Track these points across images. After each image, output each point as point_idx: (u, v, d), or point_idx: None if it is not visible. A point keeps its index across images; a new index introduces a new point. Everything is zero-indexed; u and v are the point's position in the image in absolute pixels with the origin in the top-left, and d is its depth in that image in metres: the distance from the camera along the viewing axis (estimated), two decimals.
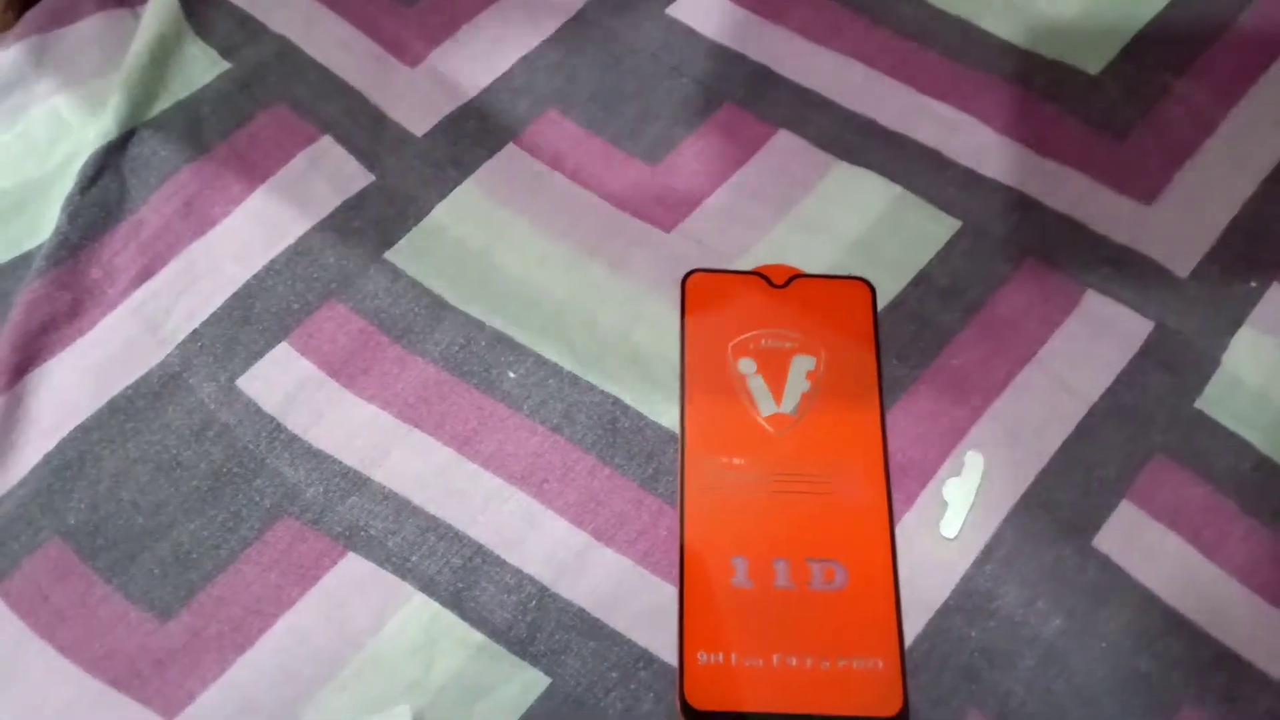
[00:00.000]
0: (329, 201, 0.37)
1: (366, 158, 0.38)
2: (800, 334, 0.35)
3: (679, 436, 0.33)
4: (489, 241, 0.37)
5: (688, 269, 0.36)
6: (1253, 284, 0.36)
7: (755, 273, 0.36)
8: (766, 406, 0.34)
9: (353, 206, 0.37)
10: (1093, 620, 0.31)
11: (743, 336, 0.35)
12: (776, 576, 0.31)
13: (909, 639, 0.31)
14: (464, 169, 0.38)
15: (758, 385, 0.34)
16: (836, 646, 0.30)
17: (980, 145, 0.39)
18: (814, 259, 0.37)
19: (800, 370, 0.34)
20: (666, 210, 0.37)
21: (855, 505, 0.32)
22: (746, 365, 0.34)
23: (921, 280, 0.36)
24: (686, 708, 0.29)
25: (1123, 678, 0.30)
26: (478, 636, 0.30)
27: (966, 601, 0.31)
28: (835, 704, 0.29)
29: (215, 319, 0.35)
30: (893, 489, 0.33)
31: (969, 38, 0.41)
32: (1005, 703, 0.30)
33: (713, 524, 0.32)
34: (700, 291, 0.36)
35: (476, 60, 0.40)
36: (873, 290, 0.36)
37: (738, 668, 0.30)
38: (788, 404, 0.34)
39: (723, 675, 0.30)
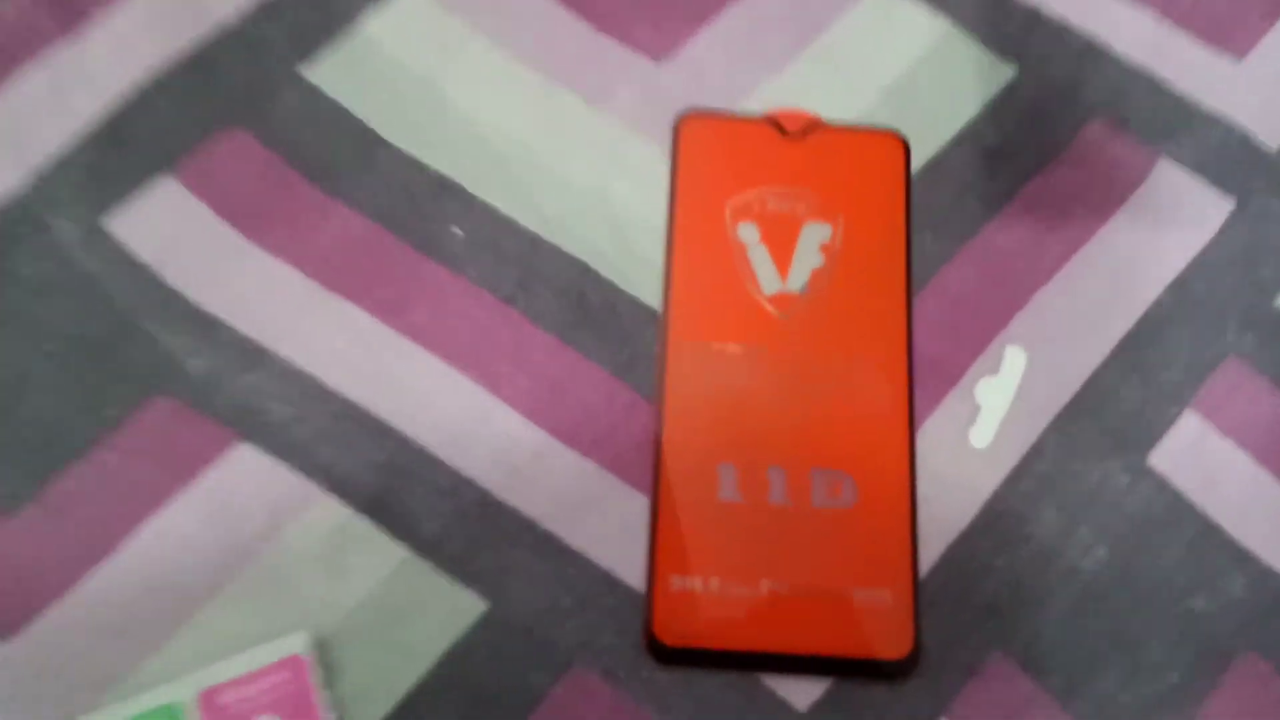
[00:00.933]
0: (233, 0, 0.29)
1: None
2: (815, 196, 0.28)
3: (661, 315, 0.27)
4: (435, 63, 0.29)
5: (681, 109, 0.29)
6: None
7: (764, 118, 0.29)
8: (769, 283, 0.27)
9: (263, 8, 0.29)
10: (1142, 551, 0.26)
11: (745, 196, 0.28)
12: (771, 489, 0.26)
13: (925, 568, 0.26)
14: None
15: (760, 256, 0.28)
16: (838, 574, 0.25)
17: None
18: (837, 104, 0.30)
19: (812, 240, 0.28)
20: (658, 35, 0.30)
21: (870, 406, 0.26)
22: (748, 232, 0.28)
23: (966, 138, 0.30)
24: (654, 643, 0.24)
25: (1172, 619, 0.26)
26: (400, 550, 0.25)
27: (995, 525, 0.26)
28: (833, 642, 0.24)
29: (84, 144, 0.28)
30: (916, 389, 0.27)
31: None
32: (1033, 645, 0.25)
33: (697, 423, 0.26)
34: (696, 138, 0.29)
35: None
36: (906, 146, 0.29)
37: (718, 596, 0.25)
38: (795, 281, 0.27)
39: (699, 605, 0.24)
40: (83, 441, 0.25)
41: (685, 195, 0.28)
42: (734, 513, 0.25)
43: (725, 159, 0.28)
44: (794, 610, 0.25)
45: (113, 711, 0.22)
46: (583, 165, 0.29)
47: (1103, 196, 0.30)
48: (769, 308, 0.27)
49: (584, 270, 0.28)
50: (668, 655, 0.24)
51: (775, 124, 0.29)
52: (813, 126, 0.29)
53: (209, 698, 0.22)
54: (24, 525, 0.24)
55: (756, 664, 0.24)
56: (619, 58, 0.30)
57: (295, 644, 0.23)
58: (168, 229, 0.27)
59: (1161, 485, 0.27)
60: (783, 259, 0.28)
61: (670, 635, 0.24)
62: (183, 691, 0.22)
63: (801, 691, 0.25)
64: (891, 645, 0.25)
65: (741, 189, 0.28)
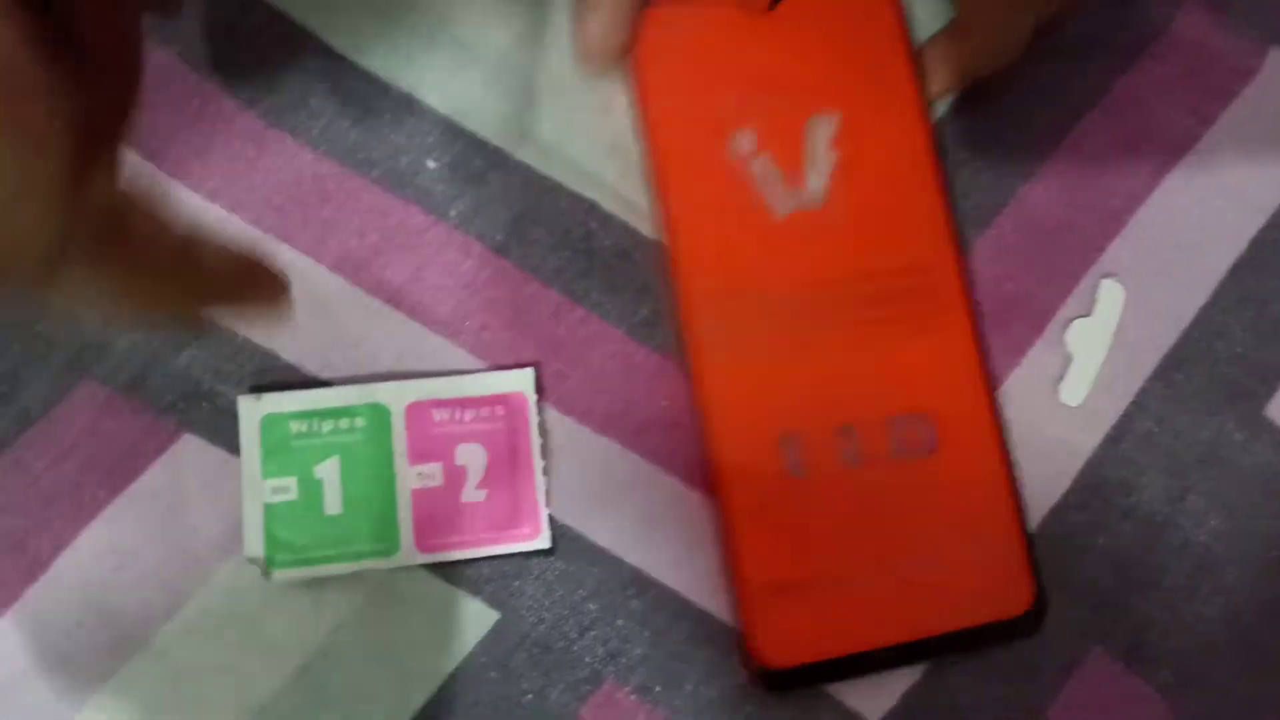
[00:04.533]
0: None
1: None
2: (812, 82, 0.23)
3: (667, 270, 0.22)
4: None
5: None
6: None
7: None
8: (783, 201, 0.22)
9: None
10: (1261, 518, 0.22)
11: (730, 98, 0.22)
12: (845, 452, 0.21)
13: None
14: None
15: (765, 170, 0.22)
16: (938, 535, 0.21)
17: None
18: None
19: (821, 137, 0.23)
20: None
21: (934, 329, 0.22)
22: (743, 141, 0.22)
23: (1040, 32, 0.24)
24: (763, 672, 0.20)
25: None
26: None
27: (1093, 496, 0.22)
28: (950, 615, 0.21)
29: None
30: (997, 337, 0.23)
31: None
32: (1139, 634, 0.22)
33: (742, 395, 0.21)
34: (659, 39, 0.23)
35: None
36: None
37: (819, 598, 0.20)
38: (812, 192, 0.22)
39: (803, 613, 0.20)
40: None
41: (659, 112, 0.22)
42: (810, 492, 0.21)
43: (696, 58, 0.22)
44: (902, 589, 0.21)
45: (316, 396, 0.20)
46: (577, 74, 0.23)
47: (1204, 97, 0.25)
48: (788, 231, 0.22)
49: (590, 209, 0.23)
50: (781, 680, 0.20)
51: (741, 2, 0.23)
52: None
53: (416, 411, 0.20)
54: None
55: (876, 664, 0.20)
56: None
57: (522, 380, 0.21)
58: None
59: None
60: (792, 168, 0.22)
61: (779, 657, 0.20)
62: (393, 396, 0.20)
63: (872, 702, 0.21)
64: (1011, 600, 0.21)
65: (724, 90, 0.22)
